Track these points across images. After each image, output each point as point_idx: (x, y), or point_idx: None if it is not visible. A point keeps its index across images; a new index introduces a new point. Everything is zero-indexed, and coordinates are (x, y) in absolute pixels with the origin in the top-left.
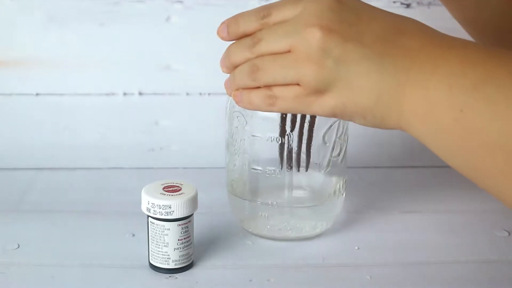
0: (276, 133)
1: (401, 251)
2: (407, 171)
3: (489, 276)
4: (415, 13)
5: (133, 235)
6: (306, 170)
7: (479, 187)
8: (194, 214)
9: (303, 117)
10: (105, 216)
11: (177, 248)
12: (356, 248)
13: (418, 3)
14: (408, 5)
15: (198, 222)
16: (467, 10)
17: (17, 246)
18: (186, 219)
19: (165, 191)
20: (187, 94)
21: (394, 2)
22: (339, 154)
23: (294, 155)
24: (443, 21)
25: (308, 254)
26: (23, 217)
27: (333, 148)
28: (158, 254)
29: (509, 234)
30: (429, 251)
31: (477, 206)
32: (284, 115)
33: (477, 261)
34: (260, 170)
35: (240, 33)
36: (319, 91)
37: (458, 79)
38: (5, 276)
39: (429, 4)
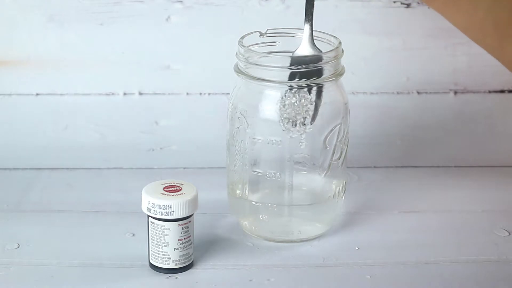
0: (276, 136)
1: (401, 251)
2: (407, 171)
3: (489, 276)
4: (415, 13)
5: (133, 235)
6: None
7: None
8: (194, 214)
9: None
10: (105, 216)
11: (177, 248)
12: (356, 248)
13: (418, 3)
14: (408, 5)
15: (198, 222)
16: (463, 8)
17: (17, 246)
18: (186, 219)
19: (166, 191)
20: (187, 94)
21: (394, 2)
22: (339, 158)
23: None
24: (444, 21)
25: (308, 254)
26: (23, 217)
27: (333, 152)
28: (158, 254)
29: (509, 234)
30: (429, 251)
31: (477, 206)
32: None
33: (477, 261)
34: (261, 173)
35: None
36: None
37: None
38: (5, 276)
39: None
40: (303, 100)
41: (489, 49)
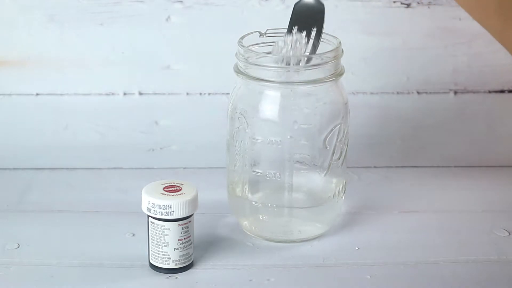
0: (276, 136)
1: (401, 251)
2: (407, 171)
3: (489, 276)
4: (415, 13)
5: (133, 235)
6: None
7: None
8: (194, 214)
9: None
10: (105, 216)
11: (177, 248)
12: (356, 248)
13: (418, 3)
14: (408, 5)
15: (198, 222)
16: None
17: (17, 246)
18: (186, 219)
19: (166, 191)
20: (187, 94)
21: (394, 2)
22: (339, 158)
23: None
24: (443, 21)
25: (308, 254)
26: (23, 217)
27: (333, 152)
28: (158, 254)
29: (509, 234)
30: (429, 251)
31: (477, 206)
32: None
33: (477, 261)
34: (261, 173)
35: None
36: None
37: None
38: (5, 276)
39: (429, 4)
40: (298, 44)
41: (492, 31)
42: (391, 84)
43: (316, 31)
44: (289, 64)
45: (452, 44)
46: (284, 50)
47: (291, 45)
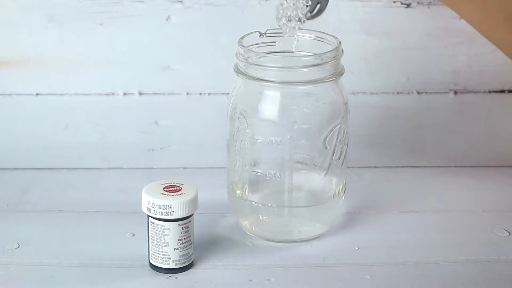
0: (276, 136)
1: (401, 251)
2: (407, 171)
3: (489, 276)
4: (415, 13)
5: (133, 235)
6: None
7: None
8: (194, 214)
9: None
10: (105, 216)
11: (177, 248)
12: (356, 248)
13: (418, 3)
14: (408, 5)
15: (198, 222)
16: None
17: (17, 246)
18: (186, 219)
19: (166, 191)
20: (187, 94)
21: (394, 2)
22: (339, 158)
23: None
24: (443, 21)
25: (308, 254)
26: (23, 217)
27: (333, 152)
28: (158, 254)
29: (509, 234)
30: (429, 251)
31: (477, 206)
32: None
33: (477, 261)
34: (261, 173)
35: None
36: None
37: None
38: (5, 276)
39: (429, 4)
40: (300, 2)
41: (500, 43)
42: (391, 84)
43: (321, 3)
44: (290, 21)
45: (452, 44)
46: (285, 5)
47: (293, 3)
